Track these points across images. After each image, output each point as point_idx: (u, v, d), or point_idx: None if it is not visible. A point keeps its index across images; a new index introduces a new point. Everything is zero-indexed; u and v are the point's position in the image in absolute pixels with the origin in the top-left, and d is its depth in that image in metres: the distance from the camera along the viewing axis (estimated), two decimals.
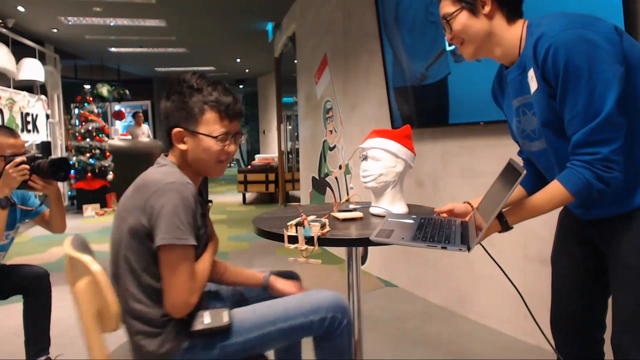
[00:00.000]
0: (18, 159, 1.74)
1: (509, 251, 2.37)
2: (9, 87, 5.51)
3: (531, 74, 1.12)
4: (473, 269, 2.70)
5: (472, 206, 1.37)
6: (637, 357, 1.11)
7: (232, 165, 17.81)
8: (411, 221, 1.38)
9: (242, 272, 1.51)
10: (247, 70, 11.89)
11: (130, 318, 1.19)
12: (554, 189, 1.10)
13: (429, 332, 2.58)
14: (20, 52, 5.96)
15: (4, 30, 5.76)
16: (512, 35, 1.17)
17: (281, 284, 1.47)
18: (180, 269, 1.14)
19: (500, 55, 1.21)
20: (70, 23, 6.73)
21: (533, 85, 1.12)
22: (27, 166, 1.74)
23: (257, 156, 9.46)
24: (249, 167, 8.48)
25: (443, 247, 1.12)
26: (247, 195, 8.38)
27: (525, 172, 1.01)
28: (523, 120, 1.23)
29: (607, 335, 1.25)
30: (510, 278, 1.22)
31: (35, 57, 6.22)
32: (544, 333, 1.27)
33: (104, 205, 7.19)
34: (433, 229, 1.26)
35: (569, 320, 1.36)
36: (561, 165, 1.17)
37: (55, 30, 7.10)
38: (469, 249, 1.10)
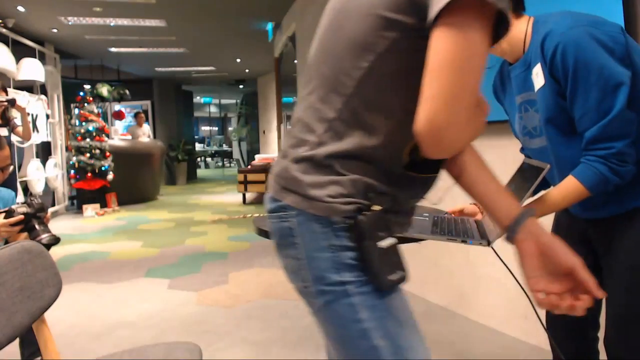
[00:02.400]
0: (15, 219, 1.62)
1: (509, 251, 2.37)
2: (9, 87, 5.51)
3: (536, 70, 1.12)
4: (473, 268, 2.70)
5: (480, 208, 1.38)
6: (629, 356, 1.12)
7: (232, 165, 17.78)
8: (425, 218, 1.40)
9: (489, 183, 0.86)
10: (247, 70, 11.89)
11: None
12: (570, 185, 1.09)
13: (429, 332, 2.58)
14: (20, 52, 5.96)
15: (4, 30, 5.77)
16: (518, 30, 1.17)
17: (562, 250, 0.80)
18: (457, 57, 0.63)
19: (505, 49, 1.21)
20: (70, 23, 6.73)
21: (538, 81, 1.13)
22: (21, 226, 1.64)
23: (257, 156, 9.45)
24: (249, 167, 8.47)
25: (463, 241, 1.12)
26: (247, 195, 8.37)
27: (549, 165, 1.01)
28: (525, 116, 1.23)
29: (601, 334, 1.25)
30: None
31: (35, 57, 6.21)
32: (548, 333, 1.27)
33: (103, 205, 7.19)
34: (449, 225, 1.27)
35: (564, 319, 1.36)
36: (559, 164, 1.18)
37: (55, 30, 7.10)
38: (489, 243, 1.10)
